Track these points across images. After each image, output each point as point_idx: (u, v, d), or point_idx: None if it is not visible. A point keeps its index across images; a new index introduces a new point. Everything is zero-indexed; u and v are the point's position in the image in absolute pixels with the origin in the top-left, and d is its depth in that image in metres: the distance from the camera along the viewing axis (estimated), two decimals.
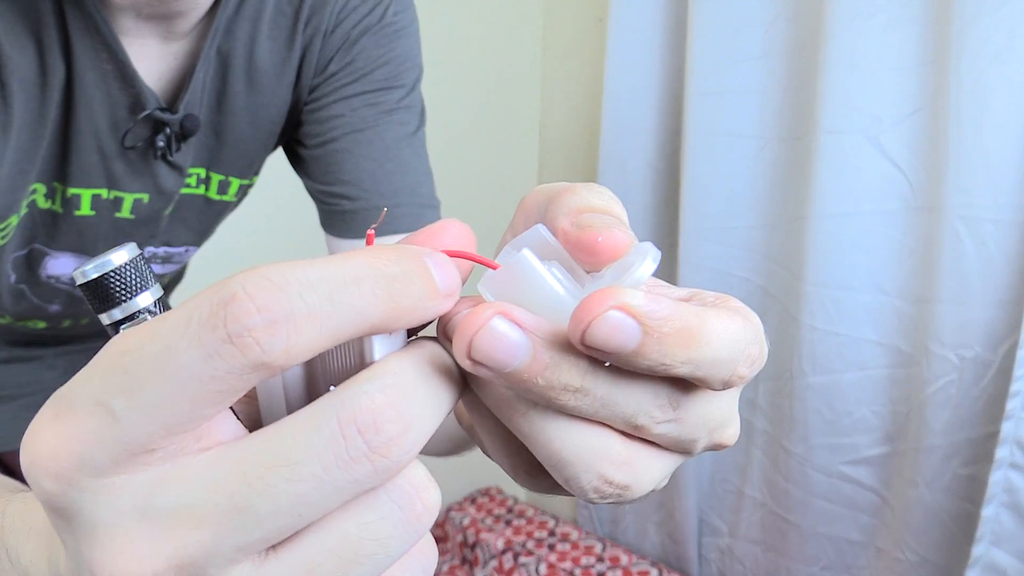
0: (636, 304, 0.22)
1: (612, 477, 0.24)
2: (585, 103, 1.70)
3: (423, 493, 0.21)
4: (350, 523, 0.20)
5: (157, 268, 0.65)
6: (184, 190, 0.60)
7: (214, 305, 0.18)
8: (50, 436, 0.19)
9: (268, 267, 0.19)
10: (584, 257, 0.25)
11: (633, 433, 0.24)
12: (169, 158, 0.55)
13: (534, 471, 0.26)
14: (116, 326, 0.22)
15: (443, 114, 1.69)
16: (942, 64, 1.11)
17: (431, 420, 0.21)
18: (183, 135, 0.55)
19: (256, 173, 0.66)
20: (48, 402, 0.20)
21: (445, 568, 1.71)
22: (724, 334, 0.24)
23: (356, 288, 0.19)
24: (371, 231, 0.24)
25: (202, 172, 0.61)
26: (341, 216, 0.63)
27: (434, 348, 0.22)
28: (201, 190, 0.62)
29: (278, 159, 0.68)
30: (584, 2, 1.70)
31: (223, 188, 0.63)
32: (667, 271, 1.52)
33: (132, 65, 0.51)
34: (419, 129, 0.65)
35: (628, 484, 0.24)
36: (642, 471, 0.24)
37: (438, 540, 1.80)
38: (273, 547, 0.20)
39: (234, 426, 0.20)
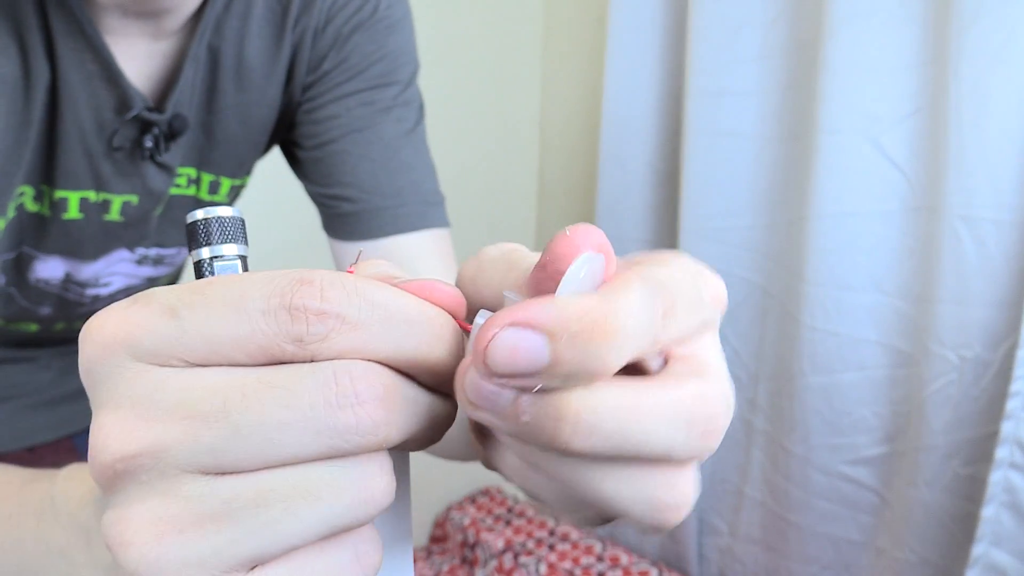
0: (527, 314, 0.20)
1: (665, 499, 0.23)
2: (585, 103, 1.70)
3: (383, 473, 0.22)
4: (313, 470, 0.21)
5: (149, 271, 0.64)
6: (174, 190, 0.59)
7: (294, 280, 0.21)
8: (116, 314, 0.21)
9: (351, 276, 0.21)
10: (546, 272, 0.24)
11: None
12: (157, 158, 0.55)
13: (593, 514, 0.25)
14: (200, 264, 0.25)
15: (443, 114, 1.69)
16: (942, 64, 1.11)
17: (414, 419, 0.22)
18: (171, 135, 0.54)
19: (248, 173, 0.65)
20: (133, 296, 0.22)
21: (445, 568, 1.71)
22: (645, 300, 0.21)
23: (407, 328, 0.22)
24: (351, 268, 0.25)
25: (192, 172, 0.60)
26: (342, 219, 0.62)
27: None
28: (192, 191, 0.61)
29: (275, 161, 0.68)
30: (584, 2, 1.70)
31: (214, 188, 0.62)
32: None
33: (117, 65, 0.50)
34: (418, 124, 0.64)
35: (682, 502, 0.23)
36: (689, 480, 0.23)
37: (438, 540, 1.80)
38: (224, 473, 0.21)
39: None
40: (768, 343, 1.40)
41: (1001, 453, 1.08)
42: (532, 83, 1.81)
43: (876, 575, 1.30)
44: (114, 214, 0.57)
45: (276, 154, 0.67)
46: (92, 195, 0.55)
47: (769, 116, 1.33)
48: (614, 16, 1.48)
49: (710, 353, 0.24)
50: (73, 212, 0.55)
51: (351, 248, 0.62)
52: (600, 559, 1.59)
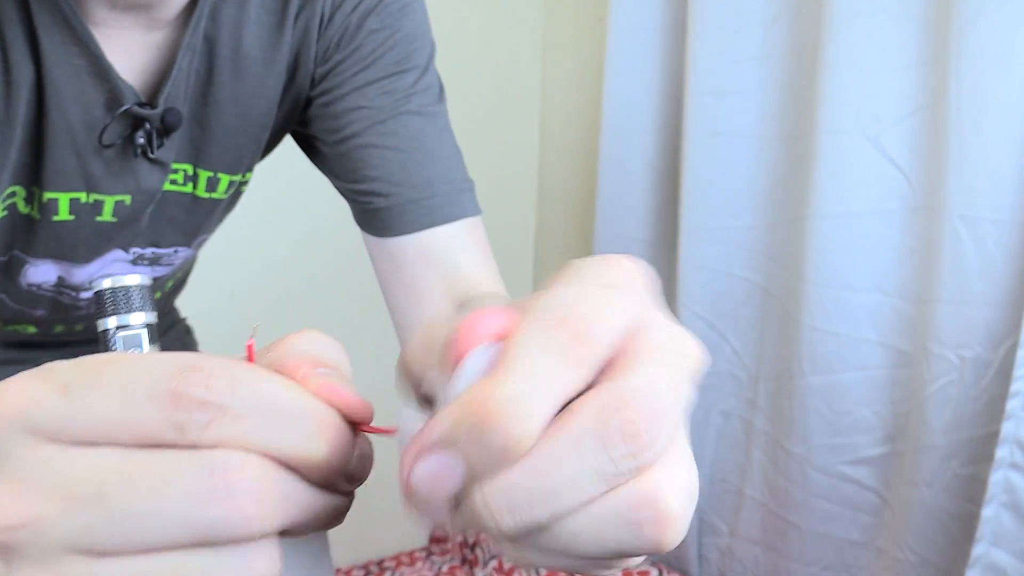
0: (425, 441, 0.22)
1: (642, 517, 0.22)
2: (585, 103, 1.70)
3: (263, 559, 0.22)
4: (189, 557, 0.21)
5: (146, 270, 0.62)
6: (169, 186, 0.58)
7: (183, 365, 0.21)
8: (16, 386, 0.22)
9: (243, 364, 0.22)
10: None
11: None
12: (150, 155, 0.53)
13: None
14: (107, 334, 0.26)
15: None
16: (942, 64, 1.11)
17: (293, 510, 0.22)
18: (165, 130, 0.53)
19: (248, 169, 0.63)
20: (39, 367, 0.23)
21: (445, 568, 1.71)
22: (533, 351, 0.22)
23: (290, 423, 0.22)
24: (250, 342, 0.25)
25: (189, 168, 0.58)
26: (375, 214, 0.60)
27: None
28: (188, 188, 0.59)
29: (277, 161, 0.68)
30: (584, 2, 1.70)
31: (212, 185, 0.60)
32: (667, 271, 1.52)
33: (106, 59, 0.48)
34: (440, 109, 0.62)
35: (661, 513, 0.22)
36: (658, 487, 0.23)
37: (438, 540, 1.80)
38: (108, 555, 0.21)
39: None
40: (768, 343, 1.40)
41: (1001, 453, 1.08)
42: (532, 83, 1.80)
43: (876, 575, 1.30)
44: (107, 215, 0.55)
45: (279, 151, 0.67)
46: (83, 196, 0.53)
47: (769, 116, 1.33)
48: (614, 16, 1.48)
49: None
50: (63, 214, 0.53)
51: (392, 245, 0.60)
52: None
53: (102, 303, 0.25)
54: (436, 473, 0.21)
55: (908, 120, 1.16)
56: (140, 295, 0.26)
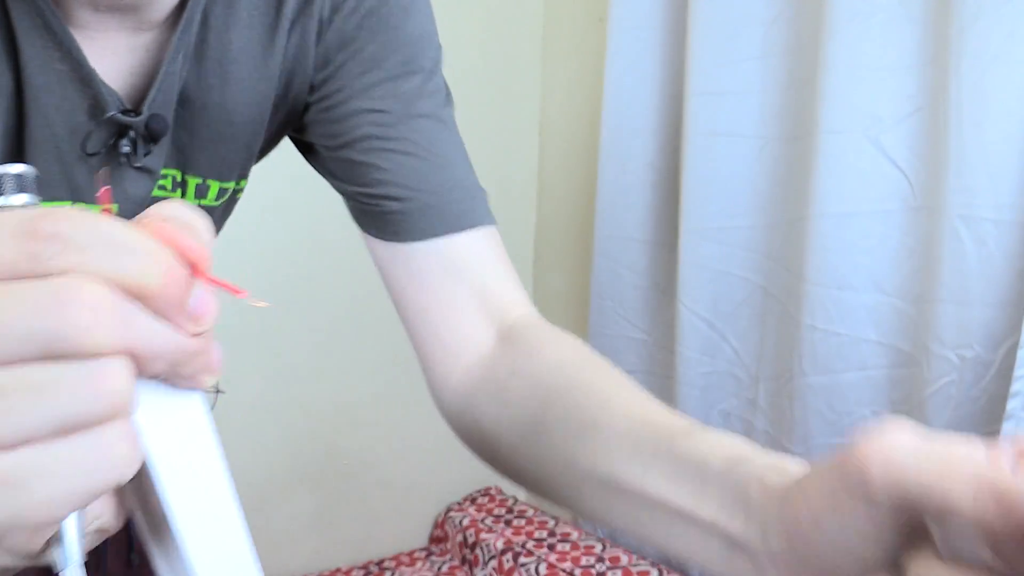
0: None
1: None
2: (585, 103, 1.70)
3: (110, 373, 0.24)
4: (37, 369, 0.24)
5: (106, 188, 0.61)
6: (157, 192, 0.56)
7: (42, 211, 0.24)
8: None
9: (91, 212, 0.25)
10: None
11: None
12: (135, 164, 0.51)
13: None
14: None
15: None
16: (942, 64, 1.11)
17: (130, 336, 0.24)
18: (151, 137, 0.51)
19: (242, 176, 0.61)
20: None
21: (445, 568, 1.71)
22: None
23: (126, 253, 0.24)
24: (103, 189, 0.29)
25: (177, 175, 0.56)
26: (387, 218, 0.57)
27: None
28: (177, 194, 0.58)
29: (278, 162, 0.68)
30: (584, 2, 1.70)
31: (201, 192, 0.58)
32: (667, 271, 1.52)
33: (88, 64, 0.47)
34: (449, 114, 0.60)
35: None
36: None
37: (438, 540, 1.80)
38: None
39: None
40: (768, 343, 1.40)
41: None
42: (532, 83, 1.81)
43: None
44: None
45: (274, 155, 0.66)
46: (68, 205, 0.51)
47: (769, 116, 1.33)
48: (614, 16, 1.48)
49: None
50: None
51: (406, 250, 0.58)
52: (600, 559, 1.59)
53: None
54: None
55: (908, 120, 1.16)
56: (24, 180, 0.28)
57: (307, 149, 0.62)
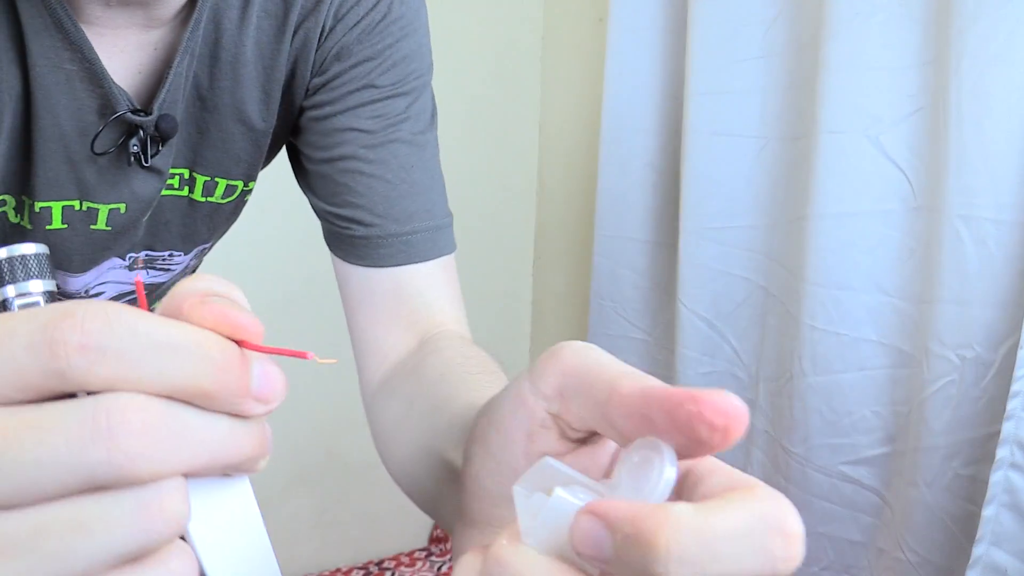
0: (602, 507, 0.22)
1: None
2: (585, 103, 1.70)
3: (166, 500, 0.22)
4: (83, 502, 0.21)
5: (143, 276, 0.61)
6: (165, 191, 0.56)
7: (58, 314, 0.21)
8: None
9: (117, 305, 0.22)
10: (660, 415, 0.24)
11: None
12: (144, 164, 0.51)
13: None
14: (6, 303, 0.26)
15: (442, 114, 1.68)
16: (942, 64, 1.11)
17: (184, 452, 0.22)
18: (160, 138, 0.51)
19: (250, 178, 0.61)
20: None
21: (445, 568, 1.71)
22: (698, 530, 0.21)
23: (171, 354, 0.22)
24: (137, 278, 0.26)
25: (185, 172, 0.57)
26: (352, 241, 0.59)
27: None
28: (184, 192, 0.58)
29: (277, 163, 0.68)
30: (584, 2, 1.70)
31: (209, 189, 0.59)
32: (667, 271, 1.52)
33: (100, 64, 0.46)
34: (431, 135, 0.61)
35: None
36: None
37: (438, 540, 1.80)
38: (7, 508, 0.21)
39: None
40: (768, 343, 1.40)
41: (1002, 453, 1.08)
42: (532, 83, 1.80)
43: (876, 575, 1.30)
44: (101, 224, 0.54)
45: (280, 157, 0.66)
46: (76, 204, 0.52)
47: (769, 116, 1.33)
48: (614, 16, 1.48)
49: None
50: (57, 223, 0.52)
51: (361, 273, 0.60)
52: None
53: (8, 270, 0.25)
54: (591, 534, 0.21)
55: (908, 120, 1.16)
56: (38, 263, 0.26)
57: (295, 160, 0.62)
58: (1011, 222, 1.08)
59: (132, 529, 0.22)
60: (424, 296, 0.60)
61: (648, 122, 1.50)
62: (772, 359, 1.39)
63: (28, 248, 0.25)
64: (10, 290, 0.25)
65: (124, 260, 0.59)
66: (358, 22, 0.56)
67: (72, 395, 0.22)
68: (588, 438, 0.29)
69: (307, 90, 0.58)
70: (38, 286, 0.25)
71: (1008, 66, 1.05)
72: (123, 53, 0.49)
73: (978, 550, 1.11)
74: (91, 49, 0.46)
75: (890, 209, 1.20)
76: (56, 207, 0.51)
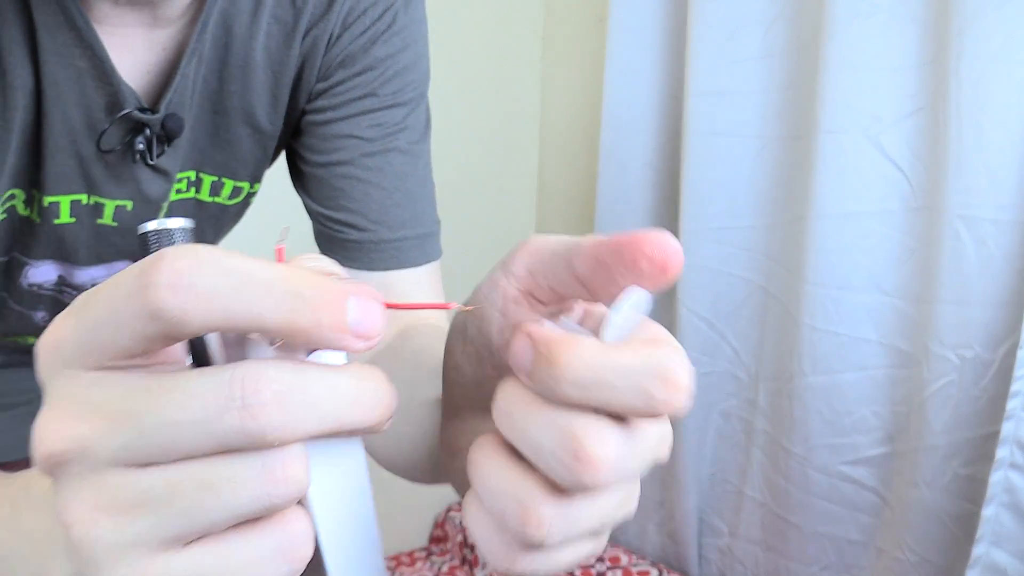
0: (534, 330, 0.26)
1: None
2: (585, 103, 1.70)
3: (289, 466, 0.23)
4: (214, 463, 0.23)
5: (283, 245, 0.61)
6: (174, 196, 0.57)
7: (152, 258, 0.22)
8: (48, 329, 0.24)
9: (207, 247, 0.22)
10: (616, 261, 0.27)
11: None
12: (150, 162, 0.52)
13: None
14: None
15: (442, 114, 1.68)
16: (942, 64, 1.11)
17: (312, 420, 0.23)
18: (167, 137, 0.51)
19: (256, 179, 0.62)
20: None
21: (445, 568, 1.71)
22: (593, 360, 0.25)
23: (262, 290, 0.22)
24: (280, 246, 0.27)
25: (192, 175, 0.57)
26: (344, 244, 0.61)
27: (360, 371, 0.25)
28: (191, 193, 0.59)
29: (280, 163, 0.68)
30: (584, 2, 1.70)
31: (215, 190, 0.59)
32: None
33: (110, 61, 0.47)
34: (424, 147, 0.62)
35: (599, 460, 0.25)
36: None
37: (438, 540, 1.80)
38: (142, 465, 0.23)
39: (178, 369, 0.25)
40: (768, 343, 1.40)
41: (1001, 453, 1.08)
42: (532, 83, 1.80)
43: (876, 575, 1.30)
44: (107, 219, 0.54)
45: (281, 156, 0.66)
46: (84, 198, 0.52)
47: (769, 116, 1.33)
48: (614, 16, 1.48)
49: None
50: (65, 217, 0.53)
51: (351, 275, 0.61)
52: (600, 559, 1.59)
53: (146, 246, 0.26)
54: (521, 352, 0.25)
55: (908, 120, 1.16)
56: (183, 236, 0.26)
57: (292, 161, 0.63)
58: (1011, 222, 1.08)
59: (256, 492, 0.23)
60: (410, 299, 0.63)
61: (648, 122, 1.50)
62: (772, 359, 1.39)
63: (175, 223, 0.26)
64: None
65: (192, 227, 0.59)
66: (365, 31, 0.57)
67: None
68: (556, 311, 0.31)
69: (311, 94, 0.58)
70: None
71: (1008, 66, 1.05)
72: (132, 52, 0.49)
73: (978, 550, 1.11)
74: (101, 47, 0.46)
75: (890, 209, 1.20)
76: (64, 201, 0.52)
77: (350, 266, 0.62)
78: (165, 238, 0.26)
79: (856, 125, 1.19)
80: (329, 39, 0.56)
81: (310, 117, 0.59)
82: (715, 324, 1.45)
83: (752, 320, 1.42)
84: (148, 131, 0.50)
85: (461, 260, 1.79)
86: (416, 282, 0.63)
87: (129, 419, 0.22)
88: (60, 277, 0.57)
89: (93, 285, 0.59)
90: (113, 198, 0.53)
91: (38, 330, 0.62)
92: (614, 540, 1.69)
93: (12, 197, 0.50)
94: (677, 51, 1.45)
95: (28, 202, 0.51)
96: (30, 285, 0.56)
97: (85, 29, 0.46)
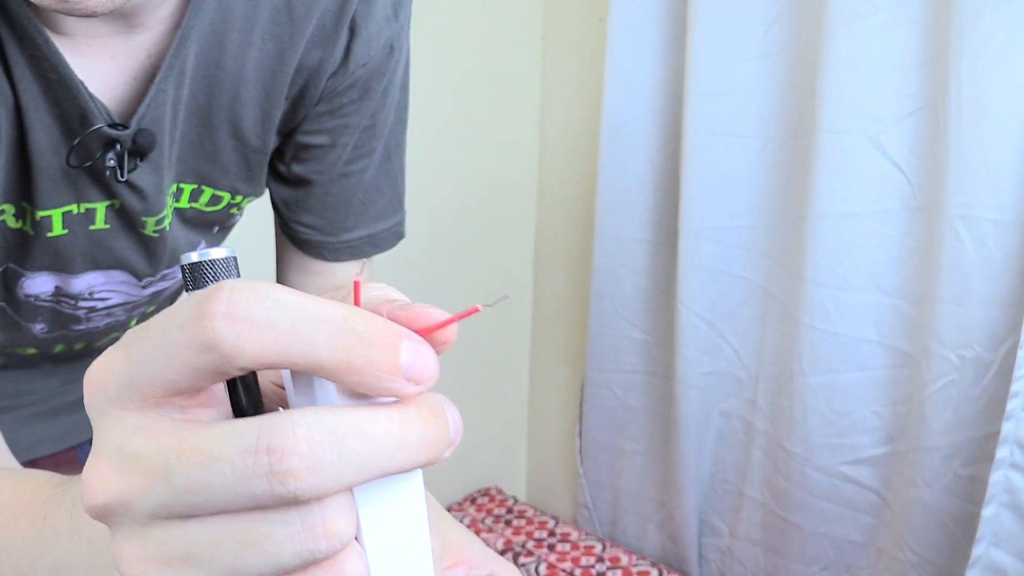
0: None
1: None
2: (585, 103, 1.70)
3: (330, 521, 0.22)
4: (253, 520, 0.22)
5: (151, 289, 0.62)
6: (175, 204, 0.56)
7: (210, 290, 0.22)
8: (100, 359, 0.24)
9: (265, 281, 0.22)
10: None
11: None
12: (120, 179, 0.50)
13: None
14: None
15: (443, 114, 1.69)
16: (942, 64, 1.11)
17: (348, 474, 0.22)
18: (138, 152, 0.49)
19: (236, 191, 0.61)
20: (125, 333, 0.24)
21: None
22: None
23: (319, 326, 0.22)
24: (358, 279, 0.25)
25: (173, 187, 0.56)
26: (303, 242, 0.65)
27: (405, 412, 0.23)
28: (169, 200, 0.57)
29: None
30: (584, 2, 1.70)
31: (194, 196, 0.59)
32: (667, 271, 1.52)
33: (74, 77, 0.45)
34: (397, 163, 0.65)
35: None
36: None
37: None
38: (184, 518, 0.23)
39: (216, 415, 0.24)
40: (768, 343, 1.40)
41: (1002, 453, 1.08)
42: (532, 83, 1.80)
43: (876, 575, 1.30)
44: (99, 223, 0.53)
45: None
46: (74, 208, 0.51)
47: (769, 116, 1.33)
48: (614, 16, 1.48)
49: None
50: (57, 229, 0.52)
51: (306, 262, 0.66)
52: (600, 559, 1.59)
53: (194, 278, 0.25)
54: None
55: (908, 120, 1.16)
56: (226, 268, 0.26)
57: (270, 161, 0.64)
58: (1011, 222, 1.08)
59: (299, 548, 0.22)
60: (347, 284, 0.65)
61: (648, 122, 1.50)
62: (772, 359, 1.39)
63: (219, 252, 0.25)
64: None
65: (140, 281, 0.59)
66: (368, 62, 0.57)
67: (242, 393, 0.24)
68: None
69: (307, 116, 0.59)
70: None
71: (1008, 66, 1.05)
72: (112, 59, 0.48)
73: (978, 550, 1.11)
74: (64, 63, 0.45)
75: (890, 209, 1.20)
76: (56, 215, 0.51)
77: (304, 253, 0.65)
78: (216, 269, 0.25)
79: (856, 125, 1.19)
80: (333, 65, 0.56)
81: (301, 137, 0.60)
82: (715, 324, 1.45)
83: (752, 320, 1.41)
84: (119, 147, 0.48)
85: (461, 260, 1.79)
86: (357, 269, 0.67)
87: (164, 477, 0.22)
88: (56, 288, 0.56)
89: (90, 293, 0.58)
90: (103, 200, 0.52)
91: (36, 341, 0.61)
92: (614, 540, 1.69)
93: (2, 212, 0.49)
94: (677, 51, 1.45)
95: (19, 215, 0.50)
96: (27, 296, 0.56)
97: (44, 44, 0.44)
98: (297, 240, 0.65)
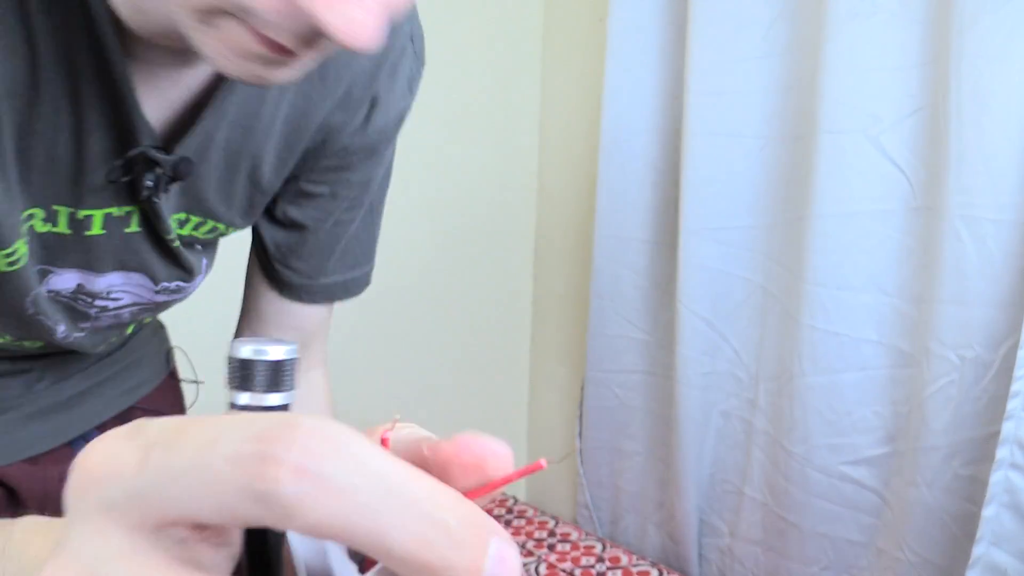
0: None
1: None
2: (585, 103, 1.70)
3: None
4: None
5: (163, 298, 0.63)
6: (183, 231, 0.58)
7: (278, 423, 0.17)
8: (103, 445, 0.19)
9: (351, 430, 0.18)
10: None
11: None
12: (155, 199, 0.51)
13: None
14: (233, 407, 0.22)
15: (443, 114, 1.69)
16: (942, 64, 1.11)
17: None
18: (175, 178, 0.51)
19: (231, 223, 0.62)
20: (136, 422, 0.20)
21: None
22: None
23: (403, 508, 0.18)
24: (385, 435, 0.22)
25: (182, 216, 0.58)
26: (286, 284, 0.67)
27: None
28: (187, 230, 0.60)
29: None
30: (584, 2, 1.70)
31: (196, 227, 0.60)
32: (667, 271, 1.52)
33: (135, 97, 0.47)
34: (380, 209, 0.68)
35: None
36: None
37: None
38: None
39: (223, 560, 0.20)
40: (768, 343, 1.40)
41: (1002, 453, 1.08)
42: (532, 83, 1.80)
43: (876, 575, 1.30)
44: (134, 226, 0.55)
45: None
46: (115, 211, 0.53)
47: (769, 116, 1.33)
48: (614, 16, 1.48)
49: None
50: (96, 229, 0.53)
51: (270, 292, 0.68)
52: (600, 559, 1.59)
53: (244, 376, 0.22)
54: None
55: (908, 120, 1.16)
56: (284, 370, 0.22)
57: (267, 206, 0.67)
58: (1011, 222, 1.08)
59: None
60: (308, 331, 0.71)
61: (648, 122, 1.50)
62: (772, 359, 1.39)
63: (279, 352, 0.22)
64: (244, 397, 0.21)
65: (155, 285, 0.61)
66: (382, 129, 0.61)
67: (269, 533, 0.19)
68: None
69: (314, 167, 0.62)
70: (276, 399, 0.21)
71: (1008, 66, 1.05)
72: (164, 89, 0.49)
73: (978, 550, 1.11)
74: (131, 83, 0.46)
75: (890, 209, 1.20)
76: (98, 215, 0.52)
77: (272, 290, 0.68)
78: (275, 374, 0.21)
79: (856, 125, 1.19)
80: (353, 128, 0.60)
81: (304, 185, 0.63)
82: (715, 324, 1.45)
83: (752, 320, 1.41)
84: (159, 169, 0.50)
85: (461, 261, 1.79)
86: (323, 314, 0.71)
87: None
88: (79, 285, 0.57)
89: (108, 292, 0.59)
90: (134, 205, 0.54)
91: (42, 334, 0.61)
92: (614, 540, 1.69)
93: (31, 217, 0.50)
94: (677, 51, 1.45)
95: (49, 218, 0.51)
96: (49, 292, 0.57)
97: (119, 64, 0.45)
98: (277, 281, 0.68)
